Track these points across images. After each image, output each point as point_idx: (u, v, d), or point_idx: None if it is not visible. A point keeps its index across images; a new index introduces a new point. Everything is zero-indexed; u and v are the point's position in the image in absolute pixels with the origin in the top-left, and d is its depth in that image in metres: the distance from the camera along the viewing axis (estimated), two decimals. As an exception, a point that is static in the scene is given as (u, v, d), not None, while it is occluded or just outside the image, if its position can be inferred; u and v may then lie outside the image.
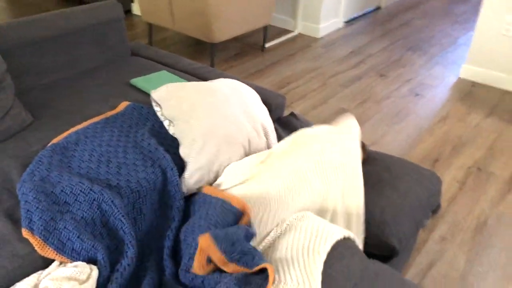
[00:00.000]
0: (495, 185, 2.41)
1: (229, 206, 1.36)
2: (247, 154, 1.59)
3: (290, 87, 3.36)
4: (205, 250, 1.19)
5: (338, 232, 1.25)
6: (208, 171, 1.52)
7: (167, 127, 1.64)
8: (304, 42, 4.18)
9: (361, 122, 2.94)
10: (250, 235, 1.28)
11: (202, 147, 1.49)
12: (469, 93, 3.39)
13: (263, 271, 1.17)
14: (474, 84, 3.52)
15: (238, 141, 1.55)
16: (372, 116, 3.03)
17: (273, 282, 1.10)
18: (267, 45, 4.05)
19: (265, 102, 2.03)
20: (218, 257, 1.18)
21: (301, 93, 3.28)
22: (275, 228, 1.33)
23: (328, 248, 1.19)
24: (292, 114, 2.07)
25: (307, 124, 2.02)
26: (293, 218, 1.33)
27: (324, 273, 1.16)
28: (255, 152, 1.60)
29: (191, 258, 1.23)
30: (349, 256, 1.24)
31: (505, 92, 3.41)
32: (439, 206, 2.14)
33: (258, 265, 1.15)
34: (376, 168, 1.73)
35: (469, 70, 3.57)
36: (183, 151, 1.53)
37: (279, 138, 1.85)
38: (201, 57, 3.78)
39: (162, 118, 1.67)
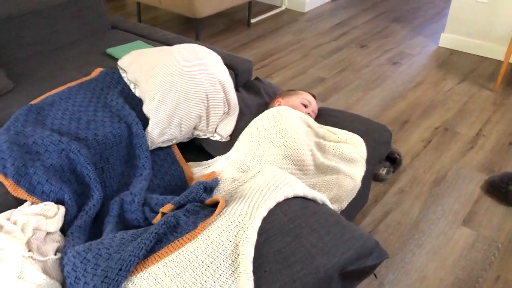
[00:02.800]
0: (459, 143, 2.54)
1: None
2: (206, 108, 1.73)
3: (273, 59, 3.49)
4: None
5: (297, 186, 1.32)
6: (168, 124, 1.67)
7: (133, 90, 1.81)
8: (291, 17, 4.29)
9: (338, 89, 3.07)
10: (209, 187, 1.41)
11: (161, 102, 1.65)
12: (446, 60, 3.49)
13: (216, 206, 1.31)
14: (452, 52, 3.62)
15: (196, 97, 1.70)
16: (349, 83, 3.15)
17: (220, 212, 1.23)
18: (253, 20, 4.17)
19: (232, 67, 2.17)
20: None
21: (282, 64, 3.41)
22: (248, 172, 1.46)
23: (281, 196, 1.26)
24: (257, 78, 2.21)
25: (270, 87, 2.17)
26: (262, 165, 1.45)
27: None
28: (214, 105, 1.75)
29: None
30: (292, 199, 1.36)
31: (481, 59, 3.51)
32: (400, 161, 2.29)
33: (207, 199, 1.31)
34: (327, 123, 1.87)
35: (447, 39, 3.67)
36: (145, 108, 1.70)
37: (243, 99, 2.00)
38: (188, 34, 3.91)
39: (128, 82, 1.83)
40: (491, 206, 2.12)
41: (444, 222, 2.03)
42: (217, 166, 1.58)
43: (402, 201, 2.14)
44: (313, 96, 1.97)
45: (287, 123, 1.64)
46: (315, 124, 1.78)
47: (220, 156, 1.71)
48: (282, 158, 1.57)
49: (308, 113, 1.87)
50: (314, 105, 1.91)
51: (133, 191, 1.47)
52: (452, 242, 1.93)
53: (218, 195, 1.39)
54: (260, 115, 1.71)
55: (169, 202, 1.37)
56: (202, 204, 1.34)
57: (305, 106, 1.87)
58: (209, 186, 1.41)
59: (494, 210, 2.10)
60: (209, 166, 1.69)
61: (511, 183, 2.14)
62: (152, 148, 1.71)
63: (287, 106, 1.83)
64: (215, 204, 1.34)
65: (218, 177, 1.46)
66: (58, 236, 1.32)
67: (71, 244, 1.25)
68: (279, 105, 1.87)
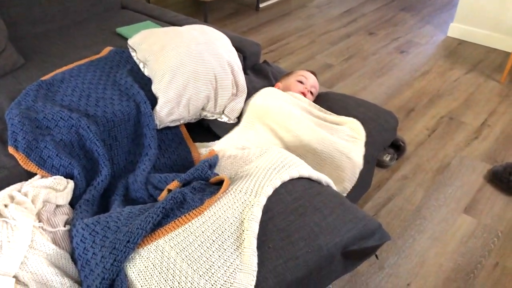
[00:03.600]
0: (463, 133, 2.55)
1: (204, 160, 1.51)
2: (214, 89, 1.75)
3: (280, 44, 3.49)
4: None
5: (303, 168, 1.34)
6: (177, 104, 1.69)
7: (142, 69, 1.82)
8: (300, 2, 4.28)
9: (344, 76, 3.07)
10: (213, 164, 1.44)
11: (170, 82, 1.67)
12: (455, 50, 3.48)
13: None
14: (461, 42, 3.61)
15: (205, 77, 1.72)
16: (356, 70, 3.16)
17: (225, 190, 1.26)
18: (262, 5, 4.16)
19: (241, 49, 2.18)
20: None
21: (290, 49, 3.42)
22: (250, 150, 1.48)
23: (287, 176, 1.28)
24: (265, 61, 2.22)
25: (278, 70, 2.18)
26: (269, 146, 1.47)
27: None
28: (222, 86, 1.76)
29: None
30: (297, 179, 1.39)
31: (490, 50, 3.50)
32: (404, 148, 2.30)
33: (213, 177, 1.33)
34: (333, 107, 1.89)
35: (456, 29, 3.65)
36: (154, 87, 1.72)
37: (251, 82, 2.02)
38: (197, 16, 3.91)
39: (137, 61, 1.85)
40: (492, 196, 2.14)
41: (446, 210, 2.05)
42: (217, 146, 1.64)
43: (404, 188, 2.16)
44: (313, 72, 1.99)
45: (269, 104, 1.68)
46: (309, 104, 1.81)
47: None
48: (273, 138, 1.61)
49: (306, 89, 1.89)
50: (312, 81, 1.94)
51: (135, 172, 1.51)
52: (453, 229, 1.95)
53: (221, 173, 1.41)
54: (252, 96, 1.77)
55: (173, 180, 1.39)
56: (208, 182, 1.37)
57: (301, 82, 1.90)
58: (213, 163, 1.44)
59: (495, 199, 2.12)
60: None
61: (514, 173, 2.16)
62: (161, 127, 1.74)
63: (284, 87, 1.88)
64: (220, 182, 1.37)
65: (219, 155, 1.49)
66: (67, 209, 1.36)
67: (80, 217, 1.28)
68: (277, 88, 1.91)
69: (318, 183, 1.31)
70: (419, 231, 1.94)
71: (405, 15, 4.11)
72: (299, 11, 4.08)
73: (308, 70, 2.01)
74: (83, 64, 1.88)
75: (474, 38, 3.59)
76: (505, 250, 1.87)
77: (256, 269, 1.00)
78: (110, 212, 1.24)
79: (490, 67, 3.25)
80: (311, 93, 1.93)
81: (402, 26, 3.88)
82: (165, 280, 1.00)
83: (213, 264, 1.00)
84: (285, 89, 1.93)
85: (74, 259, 1.19)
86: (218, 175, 1.39)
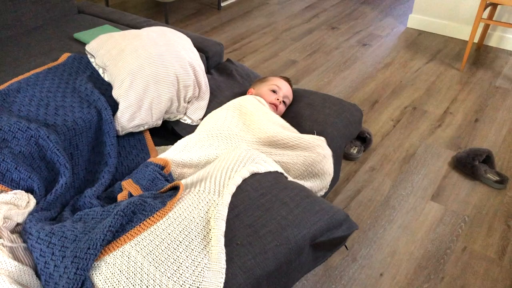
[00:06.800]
0: (427, 122, 2.60)
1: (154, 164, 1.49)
2: (177, 90, 1.73)
3: (244, 42, 3.48)
4: (128, 188, 1.35)
5: (261, 163, 1.33)
6: (138, 108, 1.66)
7: (102, 75, 1.79)
8: (261, 0, 4.28)
9: (309, 72, 3.09)
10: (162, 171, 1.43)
11: (130, 86, 1.64)
12: (415, 41, 3.55)
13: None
14: (420, 33, 3.68)
15: (166, 79, 1.70)
16: (320, 65, 3.18)
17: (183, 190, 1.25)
18: (224, 3, 4.15)
19: (203, 50, 2.16)
20: (136, 188, 1.34)
21: (253, 47, 3.41)
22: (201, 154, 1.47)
23: (246, 172, 1.27)
24: (228, 60, 2.21)
25: (242, 68, 2.17)
26: (229, 147, 1.46)
27: (238, 187, 1.31)
28: (184, 88, 1.74)
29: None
30: (263, 175, 1.39)
31: (448, 39, 3.58)
32: (370, 140, 2.33)
33: (168, 185, 1.31)
34: (299, 104, 1.89)
35: (416, 20, 3.73)
36: (114, 93, 1.68)
37: (215, 81, 2.00)
38: (158, 18, 3.87)
39: (96, 67, 1.81)
40: (458, 181, 2.19)
41: (414, 198, 2.08)
42: (165, 154, 1.56)
43: (373, 179, 2.19)
44: (287, 80, 1.92)
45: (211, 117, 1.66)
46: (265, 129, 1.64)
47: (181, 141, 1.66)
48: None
49: (278, 100, 1.78)
50: (285, 90, 1.83)
51: (87, 193, 1.44)
52: (422, 217, 1.98)
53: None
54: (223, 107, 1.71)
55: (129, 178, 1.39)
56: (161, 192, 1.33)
57: (274, 91, 1.82)
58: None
59: (461, 185, 2.16)
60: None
61: (477, 158, 2.21)
62: (123, 133, 1.70)
63: (256, 95, 1.82)
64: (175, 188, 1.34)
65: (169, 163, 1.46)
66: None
67: (31, 228, 1.22)
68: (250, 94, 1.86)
69: (284, 177, 1.31)
70: (389, 221, 1.96)
71: (365, 8, 4.17)
72: (260, 9, 4.09)
73: (282, 77, 1.91)
74: (40, 72, 1.83)
75: (433, 28, 3.67)
76: (472, 234, 1.91)
77: (224, 266, 0.99)
78: (62, 222, 1.20)
79: (450, 56, 3.33)
80: (284, 102, 1.84)
81: (363, 19, 3.93)
82: (133, 285, 0.98)
83: (181, 264, 0.99)
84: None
85: (38, 275, 1.15)
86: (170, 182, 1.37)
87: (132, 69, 1.65)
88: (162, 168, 1.45)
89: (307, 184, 1.51)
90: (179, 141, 1.60)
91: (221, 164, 1.31)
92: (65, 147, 1.57)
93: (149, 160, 1.46)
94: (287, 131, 1.62)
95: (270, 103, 1.78)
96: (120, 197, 1.36)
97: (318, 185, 1.54)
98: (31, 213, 1.31)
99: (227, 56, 3.26)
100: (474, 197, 2.09)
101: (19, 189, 1.42)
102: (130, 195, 1.35)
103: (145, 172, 1.42)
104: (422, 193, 2.11)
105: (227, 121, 1.62)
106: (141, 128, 1.75)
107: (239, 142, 1.53)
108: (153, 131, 1.84)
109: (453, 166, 2.28)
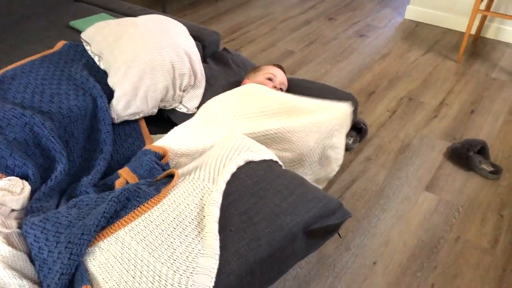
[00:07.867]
0: (423, 112, 2.61)
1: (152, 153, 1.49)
2: (172, 78, 1.73)
3: (241, 32, 3.47)
4: (125, 176, 1.35)
5: (256, 152, 1.34)
6: (134, 96, 1.66)
7: (97, 63, 1.78)
8: (259, -10, 4.26)
9: (306, 62, 3.08)
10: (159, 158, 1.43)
11: (125, 73, 1.64)
12: (412, 32, 3.55)
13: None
14: (418, 24, 3.68)
15: (162, 67, 1.69)
16: (317, 56, 3.17)
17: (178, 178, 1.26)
18: (221, -6, 4.13)
19: (200, 38, 2.16)
20: (133, 177, 1.34)
21: (251, 37, 3.40)
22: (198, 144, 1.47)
23: (241, 160, 1.28)
24: (224, 49, 2.21)
25: (238, 57, 2.17)
26: (224, 136, 1.46)
27: (232, 174, 1.32)
28: (180, 77, 1.74)
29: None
30: (258, 163, 1.39)
31: (445, 30, 3.57)
32: (366, 130, 2.33)
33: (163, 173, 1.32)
34: (296, 94, 1.90)
35: (413, 11, 3.72)
36: (110, 80, 1.68)
37: (211, 70, 2.00)
38: (155, 7, 3.85)
39: (92, 55, 1.80)
40: (452, 172, 2.20)
41: (408, 188, 2.09)
42: (163, 141, 1.55)
43: (368, 169, 2.20)
44: (280, 67, 1.97)
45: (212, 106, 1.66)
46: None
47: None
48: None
49: (275, 87, 1.87)
50: (280, 77, 1.91)
51: (83, 181, 1.44)
52: (416, 207, 2.00)
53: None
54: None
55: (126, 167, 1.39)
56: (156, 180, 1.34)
57: (270, 79, 1.86)
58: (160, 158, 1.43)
59: (455, 175, 2.18)
60: None
61: (472, 149, 2.22)
62: (118, 121, 1.70)
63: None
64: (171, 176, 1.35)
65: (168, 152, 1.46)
66: (22, 214, 1.31)
67: (29, 215, 1.24)
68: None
69: (279, 165, 1.31)
70: (383, 211, 1.97)
71: (363, -1, 4.15)
72: None
73: (275, 65, 1.97)
74: (35, 60, 1.83)
75: (430, 20, 3.67)
76: (466, 224, 1.92)
77: (218, 252, 1.00)
78: (57, 209, 1.21)
79: (447, 47, 3.32)
80: (281, 89, 1.91)
81: (361, 10, 3.92)
82: (127, 271, 0.98)
83: (174, 251, 0.99)
84: None
85: (32, 260, 1.16)
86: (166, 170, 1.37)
87: (128, 57, 1.65)
88: (161, 157, 1.45)
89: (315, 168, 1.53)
90: (176, 127, 1.60)
91: (216, 152, 1.31)
92: (60, 135, 1.57)
93: (148, 147, 1.45)
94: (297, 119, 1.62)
95: None
96: (118, 183, 1.37)
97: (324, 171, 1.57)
98: (29, 204, 1.30)
99: (225, 46, 3.25)
100: (468, 187, 2.11)
101: (14, 175, 1.43)
102: (127, 183, 1.36)
103: (143, 161, 1.41)
104: (417, 183, 2.12)
105: (231, 107, 1.62)
106: (137, 116, 1.75)
107: (236, 129, 1.53)
108: (149, 119, 1.84)
109: (448, 156, 2.29)
